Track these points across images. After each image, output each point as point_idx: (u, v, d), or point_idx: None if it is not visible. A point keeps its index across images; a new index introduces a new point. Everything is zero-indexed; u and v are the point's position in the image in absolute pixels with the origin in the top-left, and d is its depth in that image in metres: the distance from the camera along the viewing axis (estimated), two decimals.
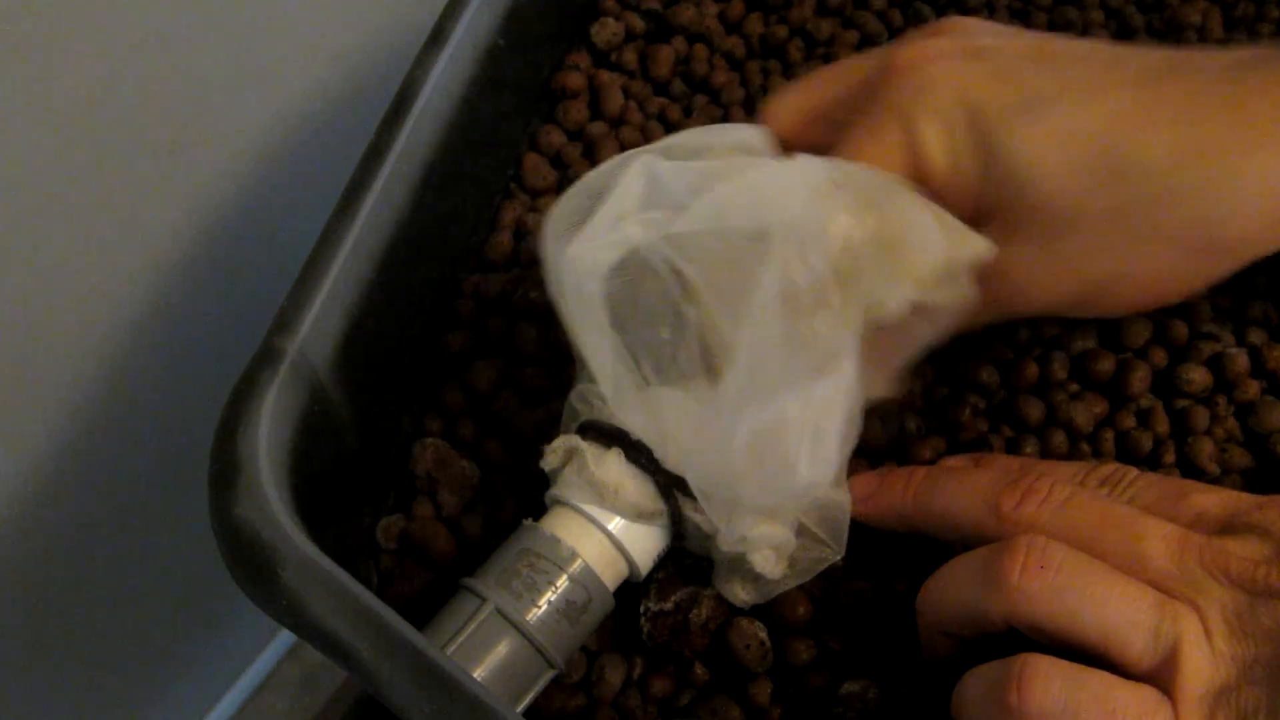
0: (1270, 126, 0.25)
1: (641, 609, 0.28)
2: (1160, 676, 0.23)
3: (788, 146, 0.30)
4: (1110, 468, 0.27)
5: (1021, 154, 0.26)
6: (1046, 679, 0.22)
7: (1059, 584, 0.23)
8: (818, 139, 0.30)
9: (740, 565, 0.27)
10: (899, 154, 0.27)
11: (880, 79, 0.28)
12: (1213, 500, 0.25)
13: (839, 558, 0.27)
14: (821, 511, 0.27)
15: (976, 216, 0.27)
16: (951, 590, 0.25)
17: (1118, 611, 0.23)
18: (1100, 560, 0.24)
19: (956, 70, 0.27)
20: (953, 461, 0.30)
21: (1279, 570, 0.23)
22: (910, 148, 0.27)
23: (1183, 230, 0.26)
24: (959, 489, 0.27)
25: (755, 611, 0.28)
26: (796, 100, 0.30)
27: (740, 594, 0.28)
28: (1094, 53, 0.27)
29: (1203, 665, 0.22)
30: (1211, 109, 0.25)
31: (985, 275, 0.26)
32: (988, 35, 0.28)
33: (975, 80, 0.26)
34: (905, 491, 0.28)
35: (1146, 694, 0.22)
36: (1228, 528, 0.24)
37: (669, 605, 0.28)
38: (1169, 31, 0.40)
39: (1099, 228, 0.26)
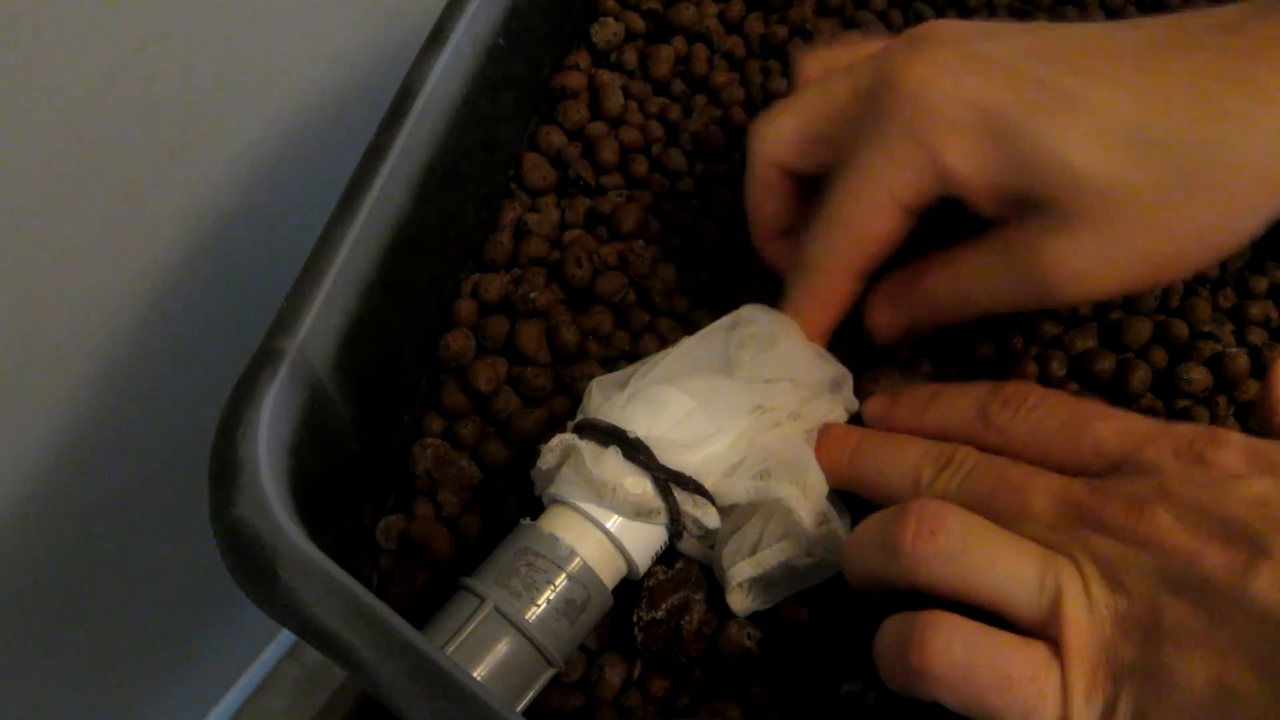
0: (1271, 87, 0.26)
1: (634, 618, 0.28)
2: (1048, 630, 0.23)
3: (784, 172, 0.31)
4: (1013, 386, 0.28)
5: (1063, 149, 0.26)
6: (947, 641, 0.23)
7: (950, 548, 0.24)
8: (817, 160, 0.30)
9: (740, 560, 0.27)
10: (915, 173, 0.27)
11: (882, 98, 0.28)
12: (1112, 430, 0.26)
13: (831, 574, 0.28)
14: (827, 540, 0.28)
15: (1003, 216, 0.28)
16: (858, 555, 0.26)
17: (1005, 570, 0.24)
18: (992, 521, 0.24)
19: (964, 81, 0.27)
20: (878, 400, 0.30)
21: (1152, 516, 0.23)
22: (930, 165, 0.27)
23: (1214, 187, 0.26)
24: (889, 462, 0.28)
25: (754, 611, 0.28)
26: (789, 124, 0.30)
27: (747, 603, 0.28)
28: (1089, 40, 0.28)
29: (1081, 616, 0.23)
30: (1217, 78, 0.26)
31: (1031, 266, 0.27)
32: (979, 38, 0.28)
33: (988, 87, 0.27)
34: (842, 455, 0.28)
35: (1037, 655, 0.23)
36: (1119, 464, 0.25)
37: (660, 613, 0.28)
38: None
39: (1148, 204, 0.26)
